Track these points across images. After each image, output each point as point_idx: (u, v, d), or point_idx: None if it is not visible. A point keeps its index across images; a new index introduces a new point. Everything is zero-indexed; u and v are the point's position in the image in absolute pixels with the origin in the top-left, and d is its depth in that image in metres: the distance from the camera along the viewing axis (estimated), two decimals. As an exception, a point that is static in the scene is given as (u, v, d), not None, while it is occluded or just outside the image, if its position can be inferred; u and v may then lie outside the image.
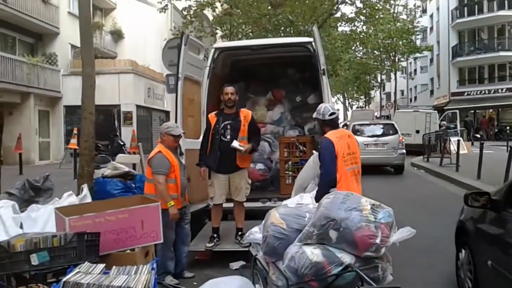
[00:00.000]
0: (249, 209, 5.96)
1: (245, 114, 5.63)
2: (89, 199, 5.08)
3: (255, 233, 4.01)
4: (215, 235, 5.65)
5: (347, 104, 59.68)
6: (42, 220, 4.50)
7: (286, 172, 6.84)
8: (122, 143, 19.13)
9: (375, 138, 14.80)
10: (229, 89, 5.57)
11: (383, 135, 15.01)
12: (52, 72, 21.32)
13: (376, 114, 46.63)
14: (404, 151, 14.79)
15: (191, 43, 6.13)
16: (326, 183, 4.17)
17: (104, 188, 7.61)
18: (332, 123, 4.52)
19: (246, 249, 4.72)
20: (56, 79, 21.54)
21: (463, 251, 4.25)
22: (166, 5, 19.73)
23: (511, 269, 3.15)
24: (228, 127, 5.49)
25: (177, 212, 4.78)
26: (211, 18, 21.76)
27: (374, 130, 15.51)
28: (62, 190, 5.50)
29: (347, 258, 3.25)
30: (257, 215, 5.91)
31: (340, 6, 22.34)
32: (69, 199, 4.76)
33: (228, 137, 5.45)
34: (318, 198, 3.86)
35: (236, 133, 5.44)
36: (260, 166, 7.34)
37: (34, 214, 4.54)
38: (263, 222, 3.90)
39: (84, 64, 7.62)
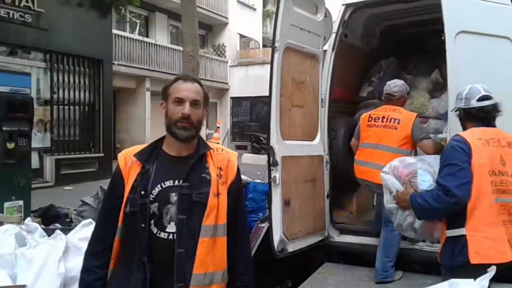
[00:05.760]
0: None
1: (222, 160, 1.88)
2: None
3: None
4: None
5: None
6: (37, 262, 2.98)
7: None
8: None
9: None
10: (186, 87, 1.81)
11: None
12: (220, 63, 21.13)
13: None
14: None
15: (299, -6, 3.99)
16: (444, 207, 2.40)
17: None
18: (480, 116, 2.54)
19: None
20: (223, 70, 21.34)
21: None
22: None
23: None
24: (174, 199, 1.78)
25: None
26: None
27: None
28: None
29: None
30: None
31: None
32: (83, 231, 3.12)
33: (171, 229, 1.76)
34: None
35: (197, 219, 1.76)
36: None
37: (29, 252, 3.03)
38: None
39: (185, 41, 6.08)
